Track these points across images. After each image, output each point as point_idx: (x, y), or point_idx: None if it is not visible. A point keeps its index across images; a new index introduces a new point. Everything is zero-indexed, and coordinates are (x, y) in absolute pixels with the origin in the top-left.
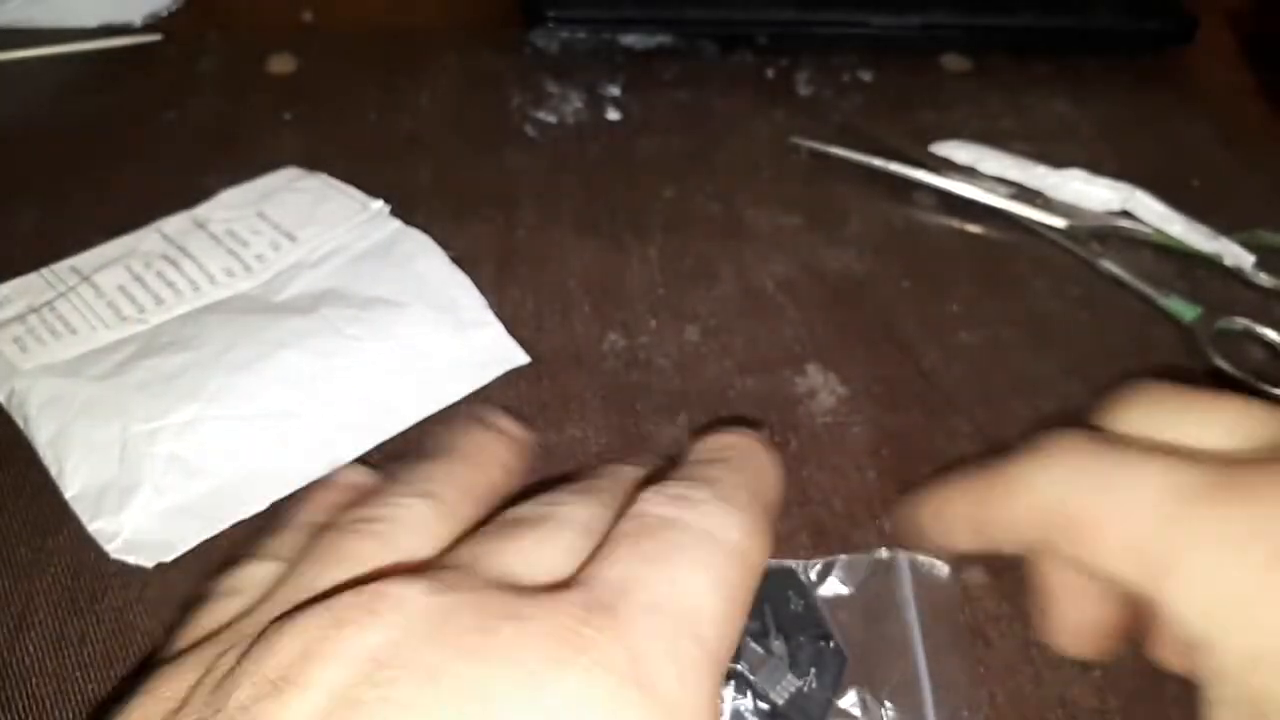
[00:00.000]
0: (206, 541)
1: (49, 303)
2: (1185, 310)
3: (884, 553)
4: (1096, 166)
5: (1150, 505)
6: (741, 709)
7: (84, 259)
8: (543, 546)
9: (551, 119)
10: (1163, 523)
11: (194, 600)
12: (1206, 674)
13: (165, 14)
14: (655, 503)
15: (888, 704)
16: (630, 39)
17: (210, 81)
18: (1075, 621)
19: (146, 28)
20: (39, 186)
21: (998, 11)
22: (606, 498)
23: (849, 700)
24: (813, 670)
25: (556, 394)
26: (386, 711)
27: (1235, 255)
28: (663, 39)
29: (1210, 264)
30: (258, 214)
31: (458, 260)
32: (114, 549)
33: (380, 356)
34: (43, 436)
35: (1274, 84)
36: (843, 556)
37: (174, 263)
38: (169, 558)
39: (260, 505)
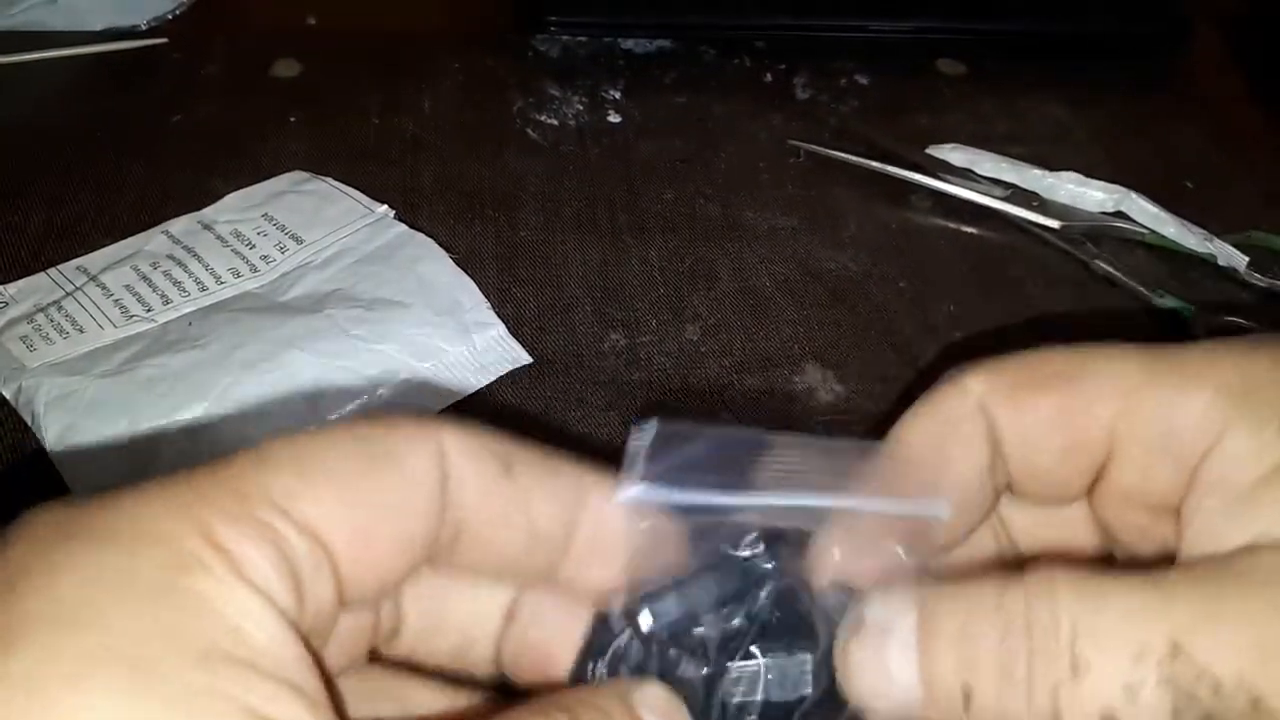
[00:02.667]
0: None
1: (56, 302)
2: (1179, 310)
3: None
4: (1091, 169)
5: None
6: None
7: (91, 259)
8: None
9: (553, 122)
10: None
11: None
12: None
13: (170, 18)
14: None
15: None
16: (630, 43)
17: (215, 85)
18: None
19: (151, 31)
20: (46, 188)
21: (993, 16)
22: None
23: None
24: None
25: (558, 393)
26: None
27: (1228, 256)
28: (663, 43)
29: (1204, 265)
30: (263, 216)
31: (460, 262)
32: None
33: (385, 356)
34: (51, 434)
35: (1266, 87)
36: None
37: (181, 263)
38: None
39: None
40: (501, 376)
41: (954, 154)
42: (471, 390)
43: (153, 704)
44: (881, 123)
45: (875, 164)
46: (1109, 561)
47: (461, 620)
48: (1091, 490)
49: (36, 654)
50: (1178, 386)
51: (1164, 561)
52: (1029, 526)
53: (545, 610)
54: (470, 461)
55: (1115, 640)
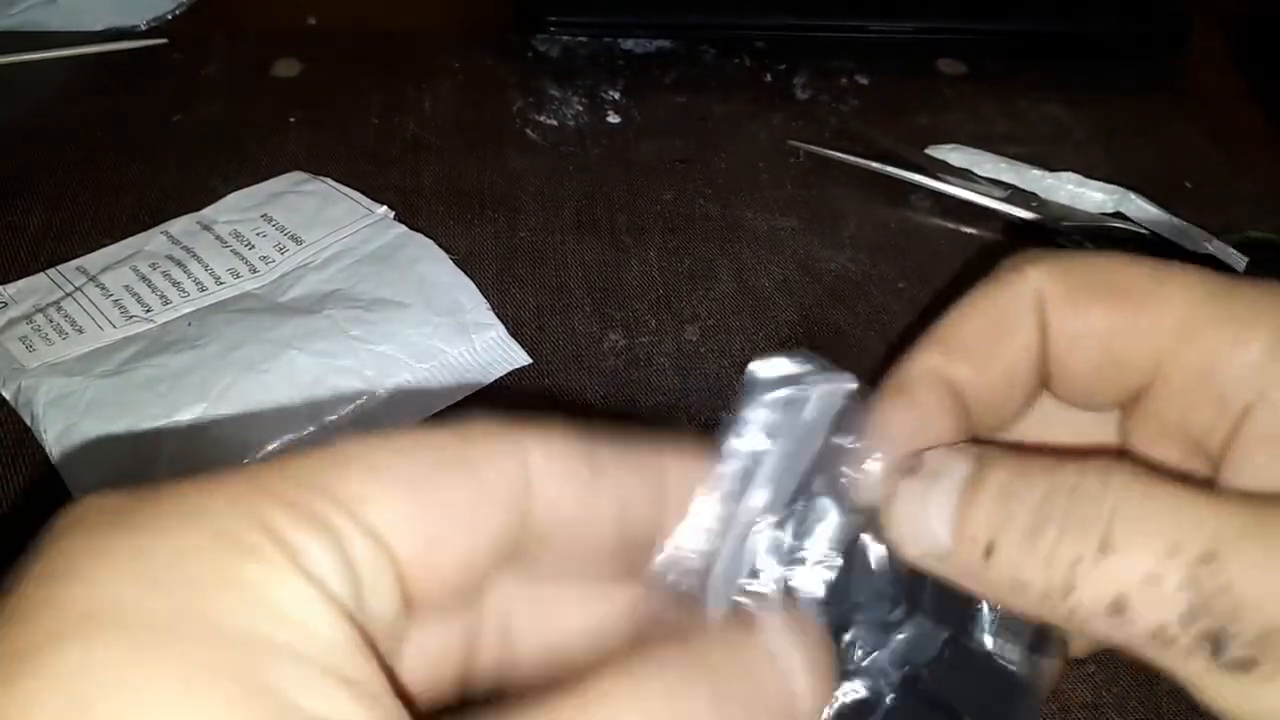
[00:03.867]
0: None
1: (56, 302)
2: None
3: None
4: (1090, 169)
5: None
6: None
7: (90, 259)
8: None
9: (552, 122)
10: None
11: None
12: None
13: (170, 18)
14: None
15: None
16: (630, 43)
17: (215, 85)
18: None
19: (151, 31)
20: (46, 188)
21: (993, 16)
22: None
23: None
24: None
25: (558, 393)
26: None
27: (1228, 256)
28: (662, 43)
29: (1203, 265)
30: (263, 216)
31: (460, 262)
32: None
33: (384, 357)
34: (50, 434)
35: (1266, 87)
36: None
37: (180, 263)
38: None
39: None
40: (501, 377)
41: (954, 154)
42: (471, 390)
43: (200, 700)
44: (881, 123)
45: (875, 164)
46: None
47: (577, 629)
48: (1129, 410)
49: (80, 649)
50: (1234, 329)
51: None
52: (1057, 422)
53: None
54: (558, 468)
55: (1153, 529)
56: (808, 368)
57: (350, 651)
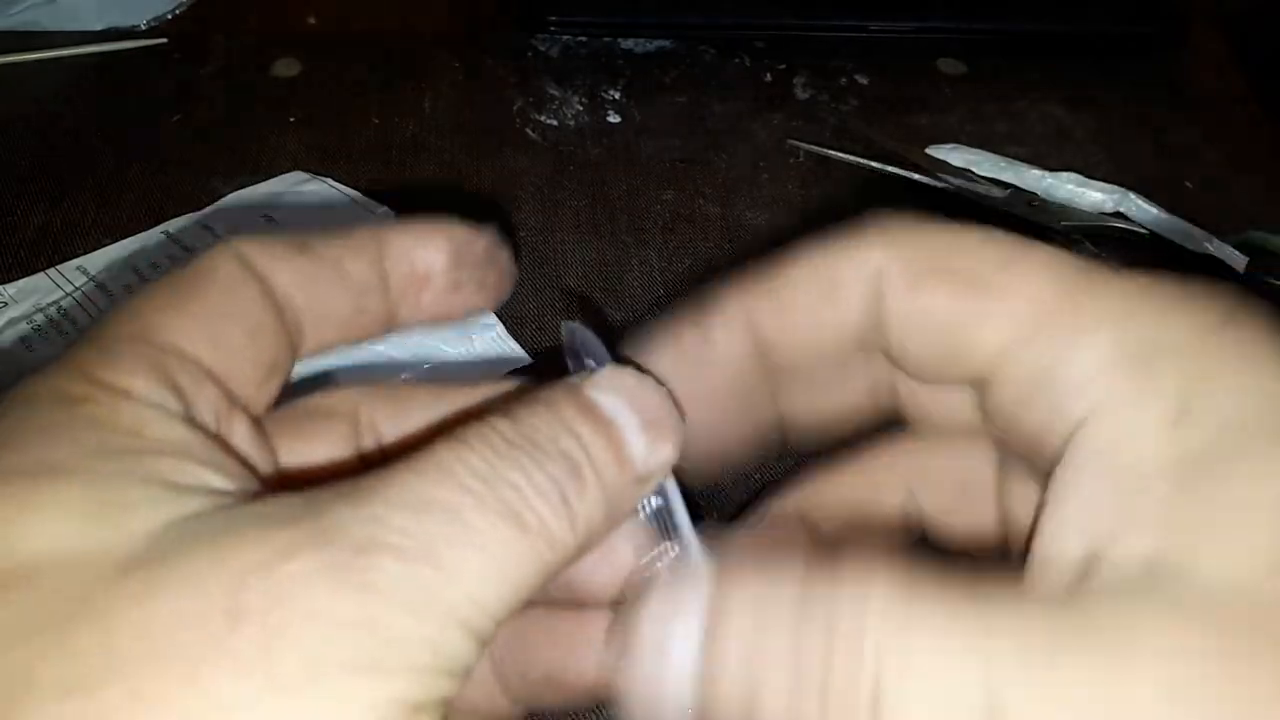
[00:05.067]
0: None
1: (56, 302)
2: None
3: None
4: (1090, 169)
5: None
6: None
7: (91, 259)
8: None
9: (552, 122)
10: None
11: None
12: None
13: (170, 18)
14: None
15: None
16: (630, 43)
17: (215, 85)
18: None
19: (151, 31)
20: (45, 188)
21: (993, 16)
22: None
23: None
24: None
25: None
26: None
27: (1228, 257)
28: (662, 43)
29: (1204, 265)
30: (263, 217)
31: None
32: None
33: (383, 357)
34: None
35: (1265, 86)
36: None
37: (180, 264)
38: None
39: None
40: (501, 376)
41: (954, 154)
42: None
43: (68, 491)
44: (881, 123)
45: (875, 164)
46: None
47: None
48: (979, 391)
49: None
50: (1074, 331)
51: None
52: (913, 394)
53: None
54: (267, 253)
55: (925, 687)
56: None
57: (197, 441)
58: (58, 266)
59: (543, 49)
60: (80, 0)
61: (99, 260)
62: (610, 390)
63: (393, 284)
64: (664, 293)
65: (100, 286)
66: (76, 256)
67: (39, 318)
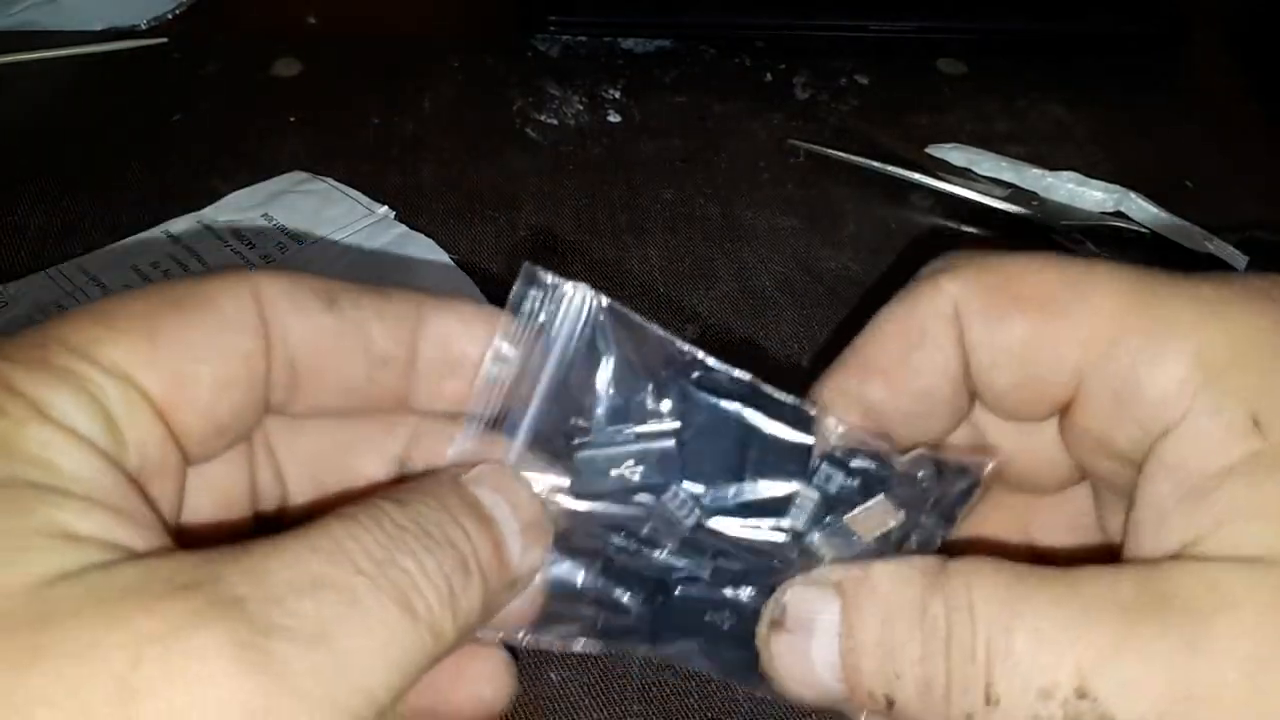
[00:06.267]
0: None
1: (56, 302)
2: None
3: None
4: (1090, 168)
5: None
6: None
7: (91, 259)
8: None
9: (553, 121)
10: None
11: None
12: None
13: (170, 18)
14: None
15: None
16: (630, 43)
17: (215, 85)
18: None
19: (151, 31)
20: (46, 188)
21: (993, 16)
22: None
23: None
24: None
25: None
26: None
27: (1229, 255)
28: (662, 43)
29: (1204, 264)
30: (264, 216)
31: (460, 262)
32: None
33: None
34: None
35: (1264, 85)
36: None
37: (181, 263)
38: None
39: None
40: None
41: (954, 154)
42: None
43: None
44: (881, 122)
45: (875, 164)
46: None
47: (353, 478)
48: (1062, 419)
49: None
50: (1154, 345)
51: (1104, 552)
52: (1001, 436)
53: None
54: (289, 299)
55: (1025, 671)
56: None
57: (112, 483)
58: (58, 266)
59: (543, 49)
60: (80, 0)
61: (99, 260)
62: (493, 489)
63: (420, 363)
64: (664, 293)
65: (100, 286)
66: (76, 256)
67: (39, 317)
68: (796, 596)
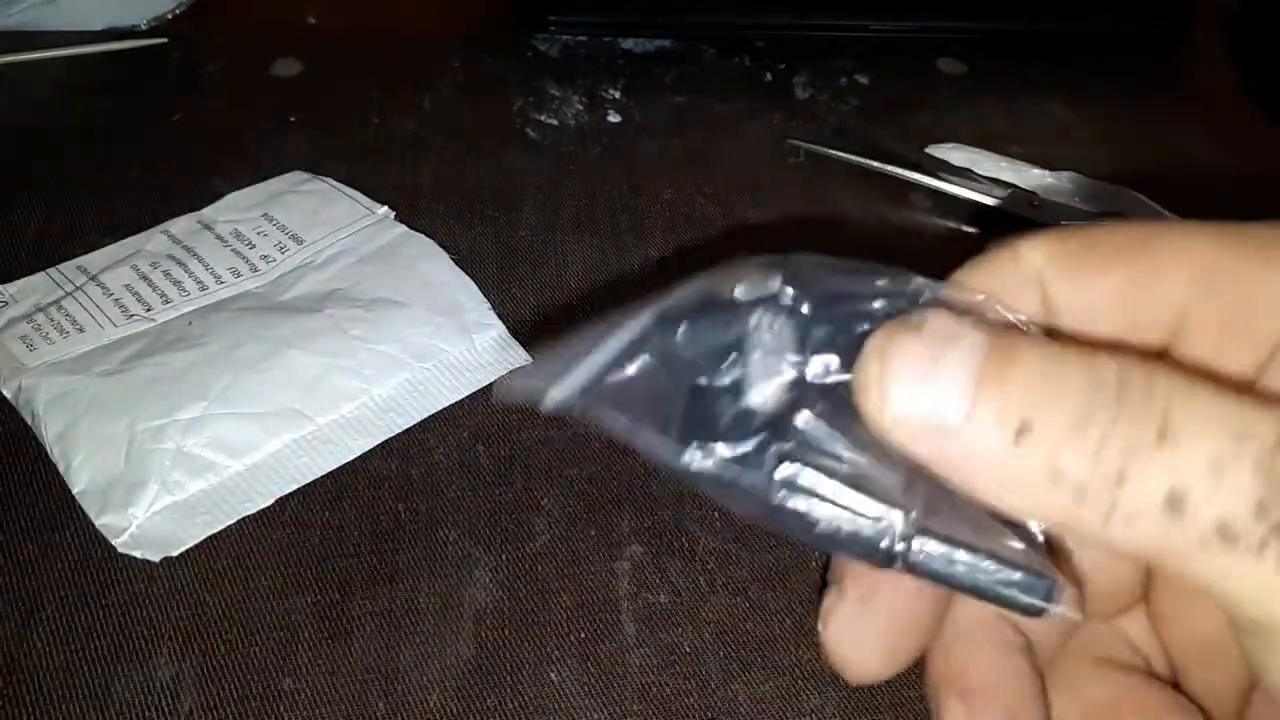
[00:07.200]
0: (212, 537)
1: (56, 301)
2: None
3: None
4: (1090, 168)
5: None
6: None
7: (91, 259)
8: None
9: (552, 121)
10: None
11: None
12: None
13: (170, 17)
14: None
15: None
16: (630, 43)
17: (215, 84)
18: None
19: (151, 31)
20: (46, 187)
21: (993, 16)
22: None
23: None
24: None
25: None
26: None
27: None
28: (662, 43)
29: None
30: (264, 216)
31: (460, 262)
32: (121, 544)
33: (385, 356)
34: (51, 433)
35: (1263, 85)
36: None
37: (181, 263)
38: (175, 553)
39: (265, 502)
40: (502, 376)
41: (954, 154)
42: (472, 390)
43: None
44: (881, 122)
45: (875, 164)
46: None
47: None
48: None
49: None
50: (1258, 263)
51: None
52: None
53: None
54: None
55: (1216, 415)
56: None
57: None
58: (58, 266)
59: (543, 49)
60: (80, 0)
61: (99, 260)
62: None
63: None
64: (665, 292)
65: (100, 286)
66: (76, 256)
67: (39, 317)
68: (938, 316)
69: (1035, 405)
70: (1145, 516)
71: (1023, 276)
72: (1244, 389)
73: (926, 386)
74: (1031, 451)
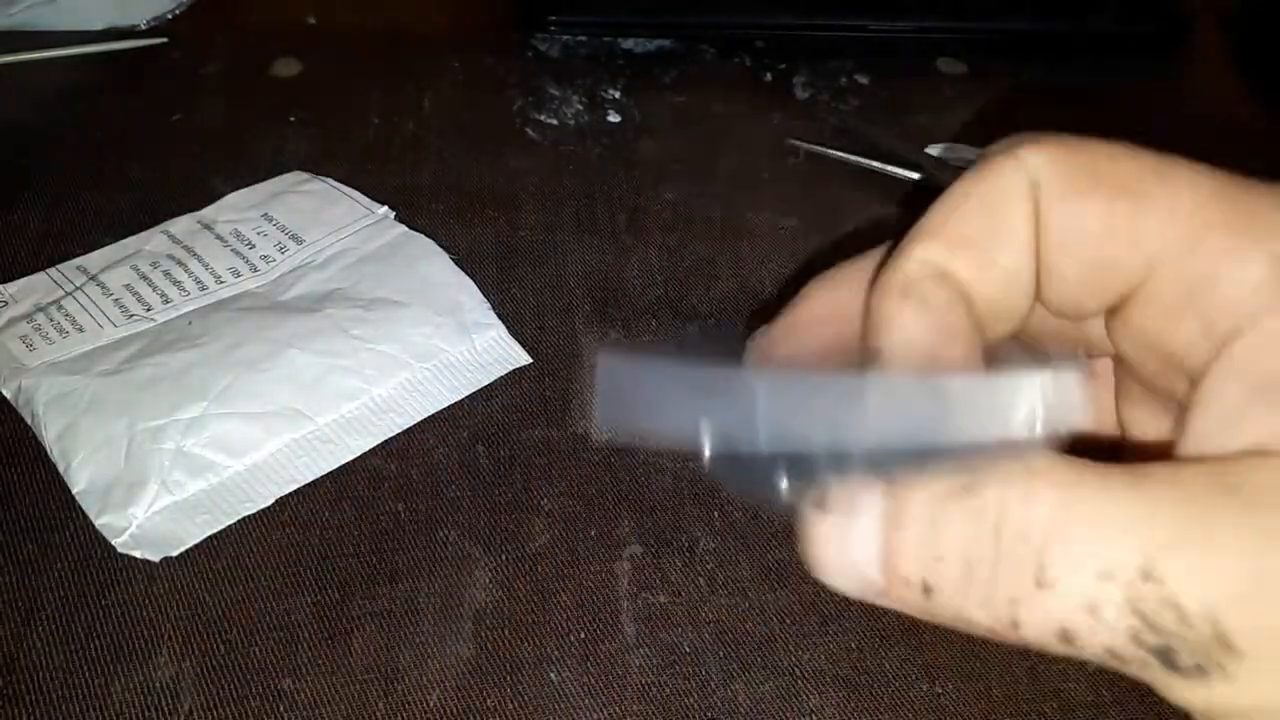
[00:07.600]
0: (212, 537)
1: (56, 301)
2: None
3: None
4: None
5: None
6: None
7: (91, 259)
8: None
9: (552, 121)
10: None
11: None
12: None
13: (170, 17)
14: None
15: None
16: (630, 43)
17: (215, 84)
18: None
19: (151, 31)
20: (46, 187)
21: (993, 16)
22: None
23: None
24: None
25: (558, 393)
26: None
27: None
28: (662, 43)
29: None
30: (264, 216)
31: (460, 261)
32: (121, 544)
33: (385, 356)
34: (50, 432)
35: (1263, 85)
36: None
37: (181, 263)
38: (175, 552)
39: (265, 502)
40: (501, 376)
41: (954, 154)
42: (471, 390)
43: None
44: (881, 122)
45: (875, 164)
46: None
47: None
48: (1112, 314)
49: None
50: (1237, 240)
51: (1159, 450)
52: (1045, 328)
53: None
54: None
55: (1085, 554)
56: None
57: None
58: (58, 266)
59: (543, 49)
60: (80, 0)
61: (99, 259)
62: None
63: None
64: (664, 293)
65: (100, 286)
66: (76, 256)
67: (39, 317)
68: (839, 481)
69: (928, 565)
70: (1048, 647)
71: (1021, 185)
72: (1125, 476)
73: (848, 569)
74: (942, 605)
